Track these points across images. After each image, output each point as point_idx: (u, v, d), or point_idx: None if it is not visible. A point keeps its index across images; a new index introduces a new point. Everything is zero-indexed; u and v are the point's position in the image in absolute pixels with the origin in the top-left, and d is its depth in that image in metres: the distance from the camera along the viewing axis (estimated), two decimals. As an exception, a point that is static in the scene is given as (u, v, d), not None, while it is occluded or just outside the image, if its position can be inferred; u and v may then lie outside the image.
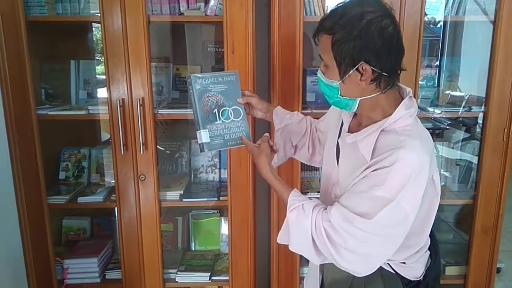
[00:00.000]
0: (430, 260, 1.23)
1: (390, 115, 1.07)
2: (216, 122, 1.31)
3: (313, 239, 1.08)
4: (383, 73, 1.04)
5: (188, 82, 1.29)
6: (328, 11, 1.08)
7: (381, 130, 1.06)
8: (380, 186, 0.99)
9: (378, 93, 1.08)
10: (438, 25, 2.05)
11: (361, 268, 1.08)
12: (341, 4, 1.06)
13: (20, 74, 1.76)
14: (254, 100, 1.41)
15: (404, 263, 1.16)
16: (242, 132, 1.34)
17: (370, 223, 1.00)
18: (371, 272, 1.08)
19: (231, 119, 1.33)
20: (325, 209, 1.10)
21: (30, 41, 1.76)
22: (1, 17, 1.68)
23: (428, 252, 1.23)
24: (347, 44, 1.01)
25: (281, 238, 1.18)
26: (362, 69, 1.03)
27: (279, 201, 1.86)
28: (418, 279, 1.20)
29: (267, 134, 1.29)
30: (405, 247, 1.12)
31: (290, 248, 1.14)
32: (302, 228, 1.09)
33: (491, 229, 2.00)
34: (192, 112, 1.30)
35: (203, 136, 1.28)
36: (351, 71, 1.05)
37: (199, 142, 1.29)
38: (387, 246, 1.06)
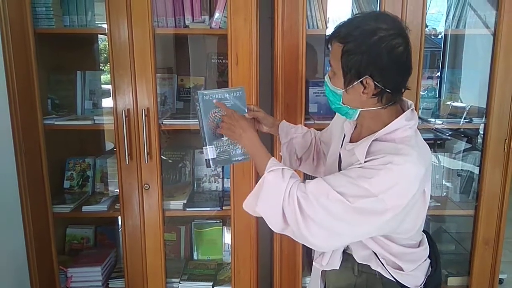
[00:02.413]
0: (430, 269, 1.24)
1: None
2: (222, 138, 1.32)
3: (283, 206, 1.08)
4: (386, 89, 1.06)
5: (195, 98, 1.31)
6: (346, 19, 1.09)
7: (378, 138, 1.08)
8: (368, 179, 1.00)
9: (378, 108, 1.10)
10: (439, 36, 2.07)
11: (322, 242, 1.08)
12: (359, 15, 1.08)
13: (28, 84, 1.79)
14: (260, 115, 1.44)
15: (402, 270, 1.17)
16: None
17: (347, 205, 1.00)
18: (330, 250, 1.09)
19: None
20: (302, 182, 1.10)
21: (38, 52, 1.80)
22: (10, 28, 1.71)
23: (428, 261, 1.23)
24: (355, 56, 1.03)
25: (248, 203, 1.18)
26: (366, 82, 1.05)
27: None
28: (419, 287, 1.20)
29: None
30: (401, 250, 1.14)
31: (255, 209, 1.14)
32: (276, 190, 1.09)
33: (493, 240, 2.00)
34: (197, 124, 1.32)
35: (210, 152, 1.30)
36: (355, 83, 1.07)
37: (205, 158, 1.31)
38: (355, 230, 1.06)
